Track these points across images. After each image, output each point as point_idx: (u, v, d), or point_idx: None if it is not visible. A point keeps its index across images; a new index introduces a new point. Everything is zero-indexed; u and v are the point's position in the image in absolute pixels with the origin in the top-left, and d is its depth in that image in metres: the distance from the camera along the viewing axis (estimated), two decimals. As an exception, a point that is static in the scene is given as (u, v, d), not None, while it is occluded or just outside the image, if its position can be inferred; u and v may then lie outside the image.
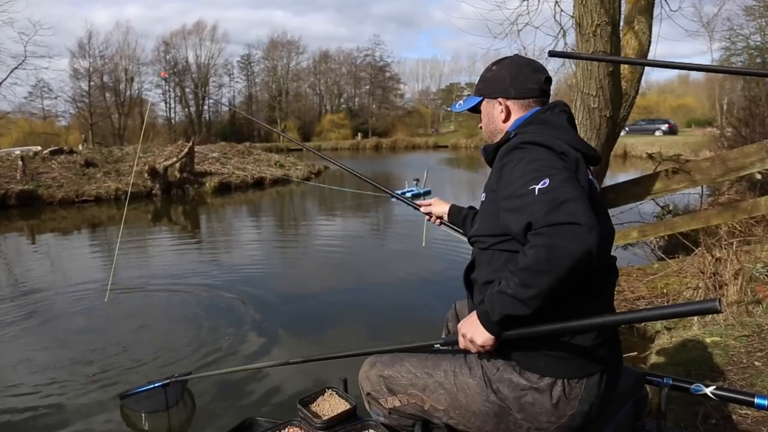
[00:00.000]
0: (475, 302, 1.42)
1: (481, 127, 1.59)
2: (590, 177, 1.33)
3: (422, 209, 2.10)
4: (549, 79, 1.49)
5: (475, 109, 1.59)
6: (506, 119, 1.48)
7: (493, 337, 1.22)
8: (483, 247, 1.39)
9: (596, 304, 1.29)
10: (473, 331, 1.25)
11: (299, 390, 3.21)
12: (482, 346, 1.24)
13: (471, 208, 1.93)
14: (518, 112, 1.47)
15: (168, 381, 2.98)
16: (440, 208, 2.04)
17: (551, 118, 1.39)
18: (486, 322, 1.22)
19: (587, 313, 1.17)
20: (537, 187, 1.15)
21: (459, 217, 1.96)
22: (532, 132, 1.33)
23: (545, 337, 1.24)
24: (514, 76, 1.47)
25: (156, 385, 2.98)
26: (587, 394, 1.29)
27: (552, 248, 1.09)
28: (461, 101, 1.65)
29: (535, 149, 1.26)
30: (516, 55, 1.57)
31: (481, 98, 1.55)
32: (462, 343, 1.29)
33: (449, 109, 1.85)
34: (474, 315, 1.27)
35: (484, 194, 1.42)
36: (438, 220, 2.07)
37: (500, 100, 1.48)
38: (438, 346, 1.46)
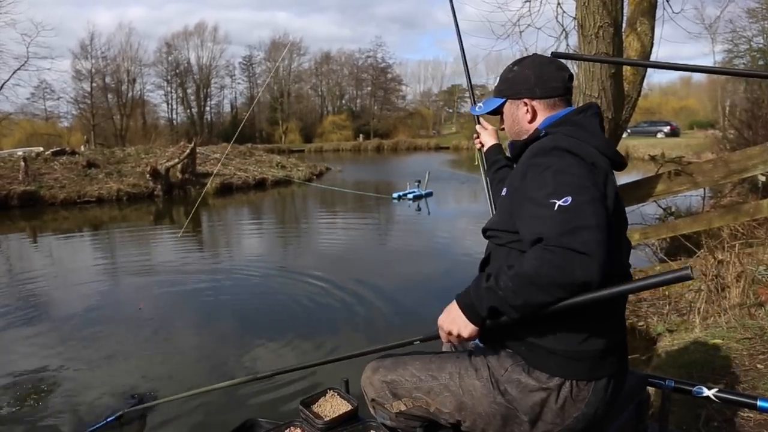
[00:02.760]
0: None
1: (503, 129, 1.56)
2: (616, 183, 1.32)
3: (478, 127, 2.07)
4: (572, 76, 1.46)
5: (494, 111, 1.57)
6: (532, 119, 1.45)
7: (477, 328, 1.26)
8: (499, 243, 1.38)
9: (610, 310, 1.28)
10: (458, 325, 1.27)
11: (301, 391, 3.21)
12: (467, 337, 1.27)
13: (508, 160, 1.88)
14: (544, 111, 1.44)
15: (122, 413, 2.90)
16: (489, 138, 2.02)
17: (584, 121, 1.36)
18: (471, 315, 1.24)
19: (598, 317, 1.22)
20: (558, 202, 1.14)
21: (492, 158, 1.95)
22: (564, 134, 1.31)
23: (556, 337, 1.25)
24: (539, 76, 1.43)
25: (108, 419, 2.87)
26: (594, 398, 1.28)
27: (556, 269, 1.10)
28: (481, 104, 1.60)
29: (565, 157, 1.23)
30: (535, 54, 1.53)
31: (503, 100, 1.51)
32: (444, 338, 1.32)
33: (468, 111, 1.82)
34: (454, 308, 1.28)
35: (505, 189, 1.41)
36: (479, 144, 2.05)
37: (525, 100, 1.45)
38: (418, 342, 1.50)
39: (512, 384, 1.31)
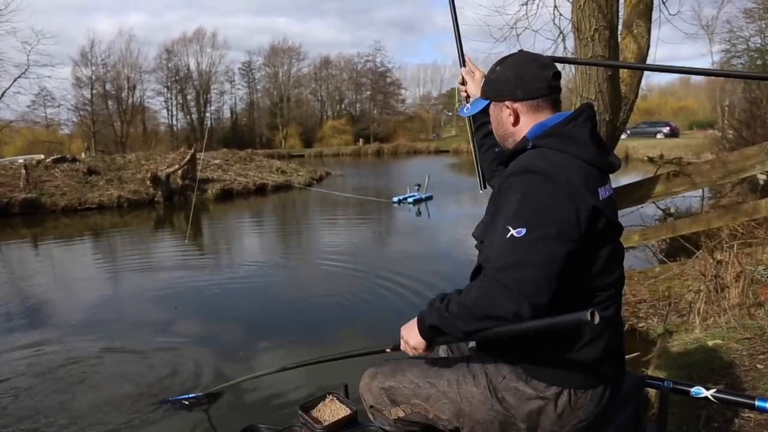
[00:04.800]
0: None
1: (491, 130, 1.51)
2: (604, 194, 1.29)
3: (464, 71, 1.85)
4: (557, 74, 1.38)
5: (484, 111, 1.52)
6: (516, 122, 1.39)
7: (424, 342, 1.32)
8: None
9: (605, 317, 1.27)
10: (410, 335, 1.34)
11: (300, 396, 3.22)
12: (414, 349, 1.34)
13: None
14: (528, 114, 1.37)
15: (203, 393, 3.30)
16: (474, 86, 1.79)
17: (574, 132, 1.29)
18: (421, 329, 1.31)
19: (593, 326, 1.17)
20: (512, 232, 1.15)
21: (480, 119, 1.77)
22: (551, 147, 1.27)
23: (552, 346, 1.25)
24: (519, 76, 1.36)
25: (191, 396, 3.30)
26: (591, 405, 1.28)
27: (490, 302, 1.14)
28: (469, 105, 1.56)
29: (534, 181, 1.20)
30: (520, 51, 1.46)
31: (488, 101, 1.46)
32: (402, 346, 1.38)
33: (457, 113, 1.74)
34: (414, 320, 1.34)
35: (489, 205, 1.38)
36: (465, 93, 1.83)
37: (507, 103, 1.39)
38: (389, 350, 1.53)
39: (510, 392, 1.31)
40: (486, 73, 1.51)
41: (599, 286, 1.26)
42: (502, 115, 1.42)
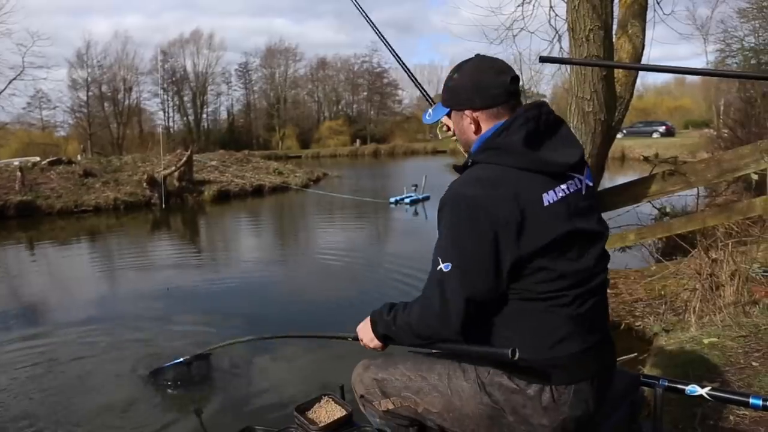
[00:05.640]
0: None
1: (455, 139, 1.49)
2: (559, 194, 1.27)
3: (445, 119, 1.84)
4: (516, 78, 1.36)
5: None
6: (477, 130, 1.38)
7: (380, 344, 1.48)
8: None
9: (578, 315, 1.29)
10: (366, 336, 1.50)
11: (296, 397, 3.21)
12: (373, 348, 1.50)
13: None
14: (488, 121, 1.36)
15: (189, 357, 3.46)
16: None
17: (505, 142, 1.28)
18: (375, 333, 1.47)
19: (564, 324, 1.28)
20: (441, 265, 1.27)
21: None
22: (487, 160, 1.30)
23: (525, 347, 1.25)
24: (477, 84, 1.35)
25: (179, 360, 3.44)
26: (576, 400, 1.28)
27: (426, 324, 1.32)
28: (430, 110, 1.52)
29: (461, 209, 1.26)
30: (477, 56, 1.42)
31: (448, 110, 1.45)
32: (361, 342, 1.53)
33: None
34: (368, 319, 1.49)
35: None
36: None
37: (467, 112, 1.37)
38: (350, 339, 1.63)
39: (495, 386, 1.32)
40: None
41: (568, 285, 1.26)
42: (463, 123, 1.41)
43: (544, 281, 1.25)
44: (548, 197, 1.26)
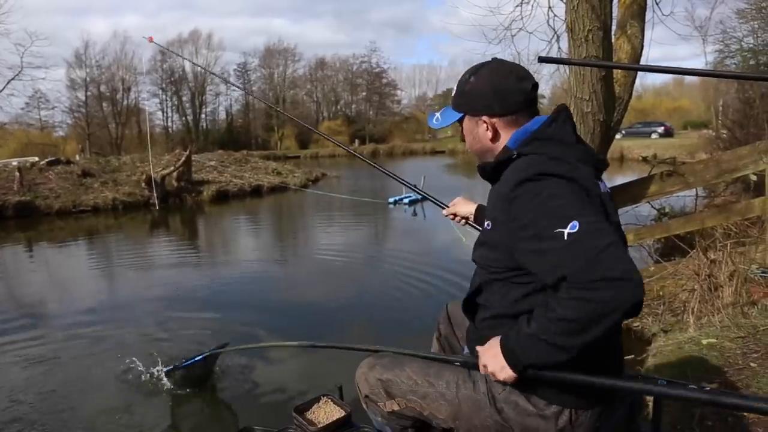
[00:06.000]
0: (477, 326, 1.40)
1: (464, 141, 1.43)
2: (604, 188, 1.26)
3: (444, 211, 1.95)
4: (536, 85, 1.33)
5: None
6: (494, 138, 1.34)
7: (515, 375, 1.19)
8: (497, 278, 1.30)
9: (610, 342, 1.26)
10: (495, 365, 1.21)
11: (295, 397, 3.21)
12: (503, 381, 1.22)
13: None
14: (506, 128, 1.32)
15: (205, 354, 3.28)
16: (465, 208, 1.88)
17: (557, 133, 1.25)
18: (511, 360, 1.18)
19: (595, 345, 1.12)
20: (566, 231, 1.06)
21: None
22: (539, 153, 1.22)
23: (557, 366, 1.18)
24: (497, 91, 1.30)
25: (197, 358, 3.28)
26: (591, 423, 1.27)
27: (598, 304, 1.03)
28: (438, 114, 1.47)
29: (551, 182, 1.14)
30: (494, 60, 1.38)
31: (461, 114, 1.39)
32: (482, 371, 1.27)
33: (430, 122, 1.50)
34: (496, 347, 1.21)
35: (487, 222, 1.30)
36: (463, 220, 1.90)
37: (484, 118, 1.33)
38: (458, 364, 1.40)
39: (509, 405, 1.29)
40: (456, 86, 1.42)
41: None
42: (478, 130, 1.36)
43: None
44: (602, 185, 1.26)
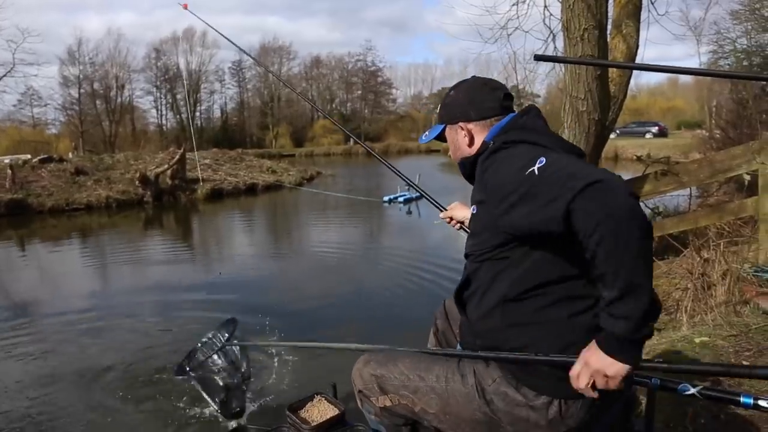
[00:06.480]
0: (469, 317, 1.39)
1: (450, 155, 1.55)
2: None
3: (441, 215, 2.00)
4: (509, 95, 1.43)
5: (442, 137, 1.55)
6: (471, 143, 1.43)
7: (628, 365, 1.07)
8: (484, 258, 1.32)
9: (596, 325, 1.21)
10: (608, 367, 1.08)
11: (288, 396, 3.19)
12: (613, 380, 1.09)
13: None
14: (482, 133, 1.41)
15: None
16: (462, 213, 1.93)
17: (529, 122, 1.34)
18: (622, 353, 1.06)
19: (584, 334, 1.16)
20: (535, 168, 1.08)
21: None
22: (512, 139, 1.29)
23: (545, 355, 1.22)
24: (472, 98, 1.43)
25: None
26: (582, 413, 1.27)
27: (603, 206, 0.98)
28: (428, 132, 1.61)
29: (517, 147, 1.23)
30: (473, 77, 1.51)
31: (443, 125, 1.51)
32: (584, 379, 1.12)
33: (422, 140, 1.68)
34: (593, 359, 1.09)
35: (474, 207, 1.37)
36: (458, 225, 1.95)
37: (461, 124, 1.44)
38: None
39: (499, 396, 1.30)
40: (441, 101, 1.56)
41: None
42: (457, 137, 1.46)
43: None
44: None
